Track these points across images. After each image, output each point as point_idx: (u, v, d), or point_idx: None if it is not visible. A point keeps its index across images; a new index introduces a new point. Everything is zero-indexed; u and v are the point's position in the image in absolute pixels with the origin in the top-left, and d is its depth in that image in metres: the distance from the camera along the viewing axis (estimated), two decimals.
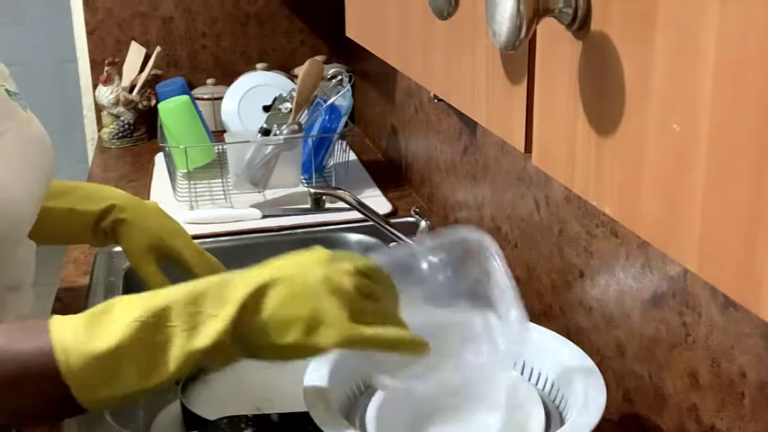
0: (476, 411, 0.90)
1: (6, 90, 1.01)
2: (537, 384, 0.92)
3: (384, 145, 2.05)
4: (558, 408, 0.89)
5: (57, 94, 3.21)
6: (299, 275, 0.76)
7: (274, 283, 0.76)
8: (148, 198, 1.76)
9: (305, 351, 0.76)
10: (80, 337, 0.73)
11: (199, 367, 0.78)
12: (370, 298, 0.78)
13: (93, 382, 0.73)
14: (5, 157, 0.93)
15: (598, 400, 0.82)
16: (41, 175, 1.01)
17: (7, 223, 0.91)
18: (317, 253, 0.80)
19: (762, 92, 0.32)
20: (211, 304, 0.75)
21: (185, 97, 1.82)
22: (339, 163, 1.81)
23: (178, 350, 0.74)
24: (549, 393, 0.91)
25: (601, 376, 0.85)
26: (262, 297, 0.75)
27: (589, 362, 0.88)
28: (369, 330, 0.76)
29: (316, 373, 0.88)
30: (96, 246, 1.18)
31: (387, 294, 0.81)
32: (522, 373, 0.94)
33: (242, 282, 0.76)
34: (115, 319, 0.74)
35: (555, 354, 0.91)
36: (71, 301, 1.34)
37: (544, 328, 0.95)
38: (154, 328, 0.73)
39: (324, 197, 1.40)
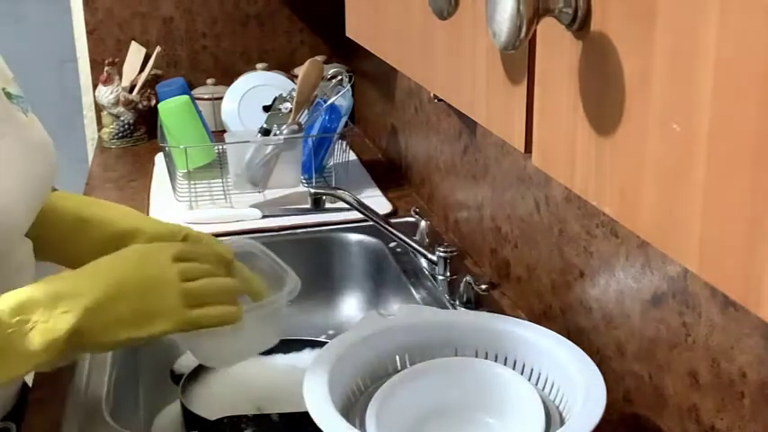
0: (476, 411, 0.91)
1: (7, 93, 1.00)
2: (537, 384, 0.92)
3: (384, 145, 2.05)
4: (558, 408, 0.89)
5: (57, 94, 3.21)
6: (122, 282, 0.86)
7: (105, 301, 0.84)
8: (148, 198, 1.76)
9: (142, 340, 0.87)
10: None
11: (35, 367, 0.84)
12: (198, 277, 0.88)
13: None
14: (1, 160, 0.92)
15: (598, 401, 0.81)
16: (39, 180, 1.00)
17: (1, 226, 0.90)
18: (134, 252, 0.91)
19: (762, 92, 0.32)
20: (42, 320, 0.82)
21: (185, 97, 1.82)
22: (339, 163, 1.81)
23: (11, 358, 0.80)
24: (549, 393, 0.91)
25: (601, 376, 0.85)
26: (92, 314, 0.83)
27: (589, 362, 0.88)
28: (195, 312, 0.87)
29: (316, 372, 0.88)
30: None
31: (212, 268, 0.91)
32: (521, 373, 0.94)
33: (70, 303, 0.83)
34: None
35: (555, 354, 0.91)
36: None
37: (544, 328, 0.95)
38: None
39: (324, 197, 1.40)
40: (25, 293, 0.83)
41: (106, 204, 1.12)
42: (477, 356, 0.97)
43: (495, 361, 0.96)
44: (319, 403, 0.83)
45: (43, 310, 0.82)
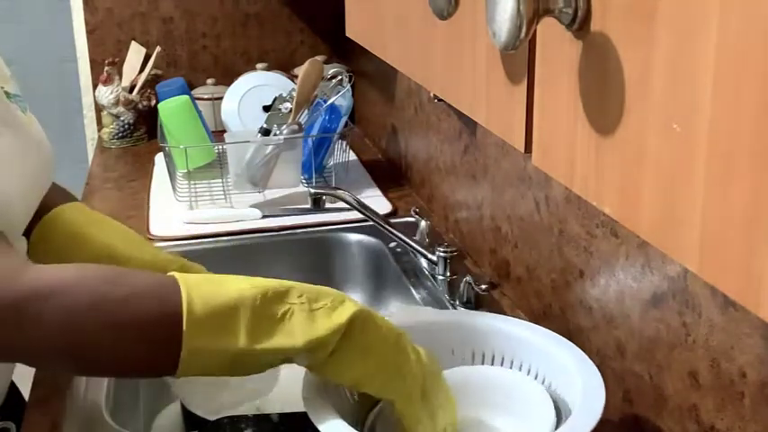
0: (485, 412, 0.90)
1: (6, 92, 1.00)
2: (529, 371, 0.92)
3: (384, 145, 2.05)
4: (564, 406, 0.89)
5: (57, 94, 3.21)
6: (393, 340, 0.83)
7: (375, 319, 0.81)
8: (148, 198, 1.76)
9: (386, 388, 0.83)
10: (205, 284, 0.76)
11: (289, 359, 0.79)
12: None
13: (208, 329, 0.74)
14: None
15: (597, 401, 0.81)
16: (37, 179, 1.00)
17: None
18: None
19: (762, 92, 0.32)
20: (331, 302, 0.79)
21: (185, 97, 1.82)
22: (339, 163, 1.81)
23: (296, 327, 0.77)
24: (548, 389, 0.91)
25: (600, 376, 0.85)
26: (366, 322, 0.80)
27: (588, 362, 0.88)
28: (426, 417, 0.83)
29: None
30: None
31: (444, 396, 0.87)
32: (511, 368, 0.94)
33: (352, 302, 0.81)
34: (236, 282, 0.78)
35: (553, 354, 0.91)
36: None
37: (543, 328, 0.95)
38: (274, 299, 0.77)
39: (324, 197, 1.40)
40: (307, 285, 0.81)
41: (112, 225, 1.09)
42: (474, 357, 0.96)
43: (493, 362, 0.95)
44: (317, 405, 0.82)
45: (332, 297, 0.80)
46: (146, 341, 0.75)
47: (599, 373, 0.85)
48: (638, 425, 0.94)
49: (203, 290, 0.75)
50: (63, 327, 0.72)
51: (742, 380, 0.76)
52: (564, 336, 1.02)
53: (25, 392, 1.13)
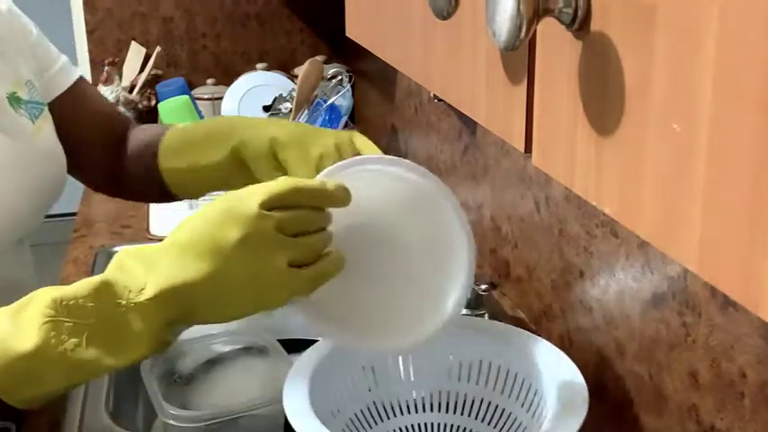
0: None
1: (16, 98, 0.99)
2: (520, 391, 0.92)
3: (384, 145, 2.05)
4: (539, 416, 0.89)
5: None
6: (219, 258, 0.72)
7: (195, 281, 0.72)
8: None
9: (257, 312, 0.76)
10: (3, 334, 0.71)
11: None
12: (297, 228, 0.75)
13: (17, 383, 0.71)
14: None
15: (578, 411, 0.80)
16: (39, 189, 0.99)
17: None
18: (218, 210, 0.74)
19: (762, 92, 0.32)
20: (125, 299, 0.72)
21: (185, 97, 1.82)
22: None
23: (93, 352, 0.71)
24: (532, 400, 0.90)
25: (584, 384, 0.84)
26: (185, 299, 0.72)
27: (573, 368, 0.87)
28: (308, 273, 0.75)
29: (297, 375, 0.88)
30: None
31: (310, 215, 0.76)
32: (505, 379, 0.93)
33: (155, 280, 0.72)
34: (31, 317, 0.72)
35: (544, 362, 0.90)
36: None
37: (534, 335, 0.95)
38: (62, 329, 0.71)
39: None
40: (106, 272, 0.74)
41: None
42: (461, 364, 0.96)
43: (480, 368, 0.95)
44: (299, 407, 0.82)
45: (126, 292, 0.72)
46: None
47: (585, 388, 0.84)
48: (638, 425, 0.94)
49: (3, 339, 0.71)
50: None
51: (742, 380, 0.76)
52: (564, 336, 1.02)
53: None
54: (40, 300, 0.72)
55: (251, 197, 0.74)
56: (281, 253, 0.73)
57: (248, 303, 0.75)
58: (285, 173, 0.94)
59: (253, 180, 0.96)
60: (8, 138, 0.95)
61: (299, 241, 0.75)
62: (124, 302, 0.72)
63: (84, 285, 0.73)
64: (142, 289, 0.72)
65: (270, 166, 0.96)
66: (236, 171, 0.99)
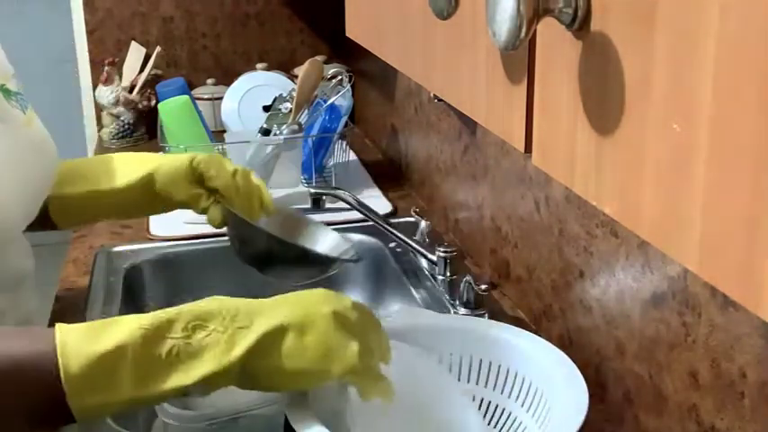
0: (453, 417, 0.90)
1: (6, 90, 1.00)
2: (520, 391, 0.92)
3: (384, 145, 2.05)
4: (539, 416, 0.89)
5: (57, 94, 3.21)
6: (309, 317, 0.77)
7: (287, 328, 0.76)
8: None
9: (316, 382, 0.79)
10: (82, 339, 0.72)
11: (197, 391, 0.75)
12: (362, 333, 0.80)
13: (89, 387, 0.71)
14: None
15: (579, 410, 0.80)
16: (38, 178, 1.00)
17: None
18: (320, 292, 0.81)
19: (762, 92, 0.32)
20: (222, 326, 0.74)
21: (185, 97, 1.82)
22: (339, 163, 1.81)
23: (183, 365, 0.72)
24: (533, 400, 0.90)
25: (585, 389, 0.84)
26: (275, 341, 0.75)
27: (573, 368, 0.87)
28: (371, 367, 0.79)
29: None
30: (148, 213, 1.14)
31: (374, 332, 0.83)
32: (505, 379, 0.93)
33: (257, 317, 0.75)
34: (120, 325, 0.73)
35: (543, 363, 0.90)
36: (71, 302, 1.34)
37: (536, 336, 0.95)
38: (155, 338, 0.72)
39: (324, 197, 1.40)
40: (197, 305, 0.76)
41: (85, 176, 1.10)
42: (462, 362, 0.96)
43: (480, 367, 0.95)
44: (299, 408, 0.82)
45: (221, 320, 0.74)
46: (34, 412, 0.72)
47: (585, 388, 0.84)
48: (638, 425, 0.94)
49: (80, 344, 0.71)
50: None
51: (742, 380, 0.76)
52: (564, 336, 1.02)
53: None
54: (130, 317, 0.75)
55: (346, 298, 0.82)
56: (357, 338, 0.78)
57: (315, 366, 0.76)
58: (203, 191, 1.06)
59: (155, 207, 1.09)
60: (4, 127, 0.96)
61: (372, 339, 0.81)
62: (221, 330, 0.74)
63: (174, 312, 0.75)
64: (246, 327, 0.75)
65: (189, 182, 1.06)
66: (140, 197, 1.07)
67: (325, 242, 1.10)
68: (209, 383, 0.73)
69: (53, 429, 0.77)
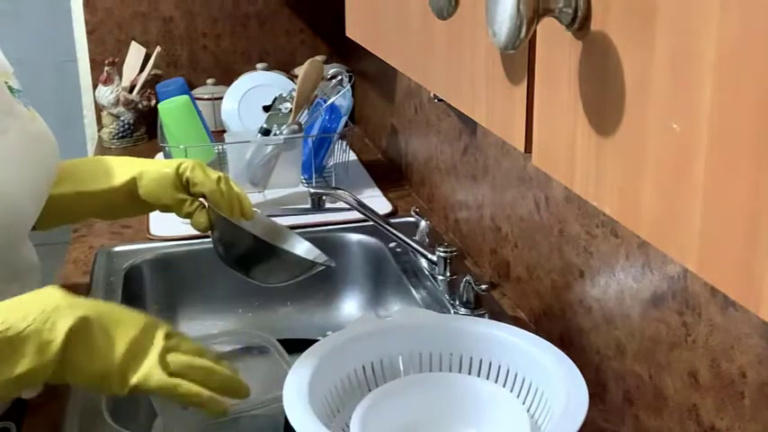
0: (461, 425, 0.90)
1: (9, 87, 1.01)
2: (521, 390, 0.92)
3: (384, 145, 2.05)
4: (537, 417, 0.89)
5: (57, 94, 3.21)
6: (113, 318, 0.86)
7: (90, 324, 0.83)
8: None
9: (109, 390, 0.85)
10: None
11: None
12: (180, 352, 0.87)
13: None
14: (5, 153, 0.94)
15: (579, 410, 0.80)
16: (43, 172, 1.02)
17: (8, 218, 0.92)
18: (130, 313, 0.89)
19: (762, 92, 0.32)
20: (38, 321, 0.80)
21: (185, 97, 1.82)
22: (339, 163, 1.81)
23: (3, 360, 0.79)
24: (533, 399, 0.90)
25: (585, 389, 0.84)
26: (79, 338, 0.82)
27: (577, 374, 0.87)
28: (174, 380, 0.85)
29: (297, 374, 0.88)
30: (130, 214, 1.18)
31: (195, 350, 0.90)
32: (506, 379, 0.94)
33: (62, 320, 0.81)
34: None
35: (543, 362, 0.90)
36: None
37: (536, 336, 0.95)
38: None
39: (324, 197, 1.40)
40: (15, 299, 0.82)
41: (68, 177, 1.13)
42: (462, 362, 0.96)
43: (480, 367, 0.95)
44: (298, 407, 0.82)
45: (41, 313, 0.81)
46: None
47: (585, 388, 0.84)
48: (638, 425, 0.94)
49: None
50: None
51: (742, 380, 0.76)
52: (564, 336, 1.02)
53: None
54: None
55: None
56: (158, 348, 0.86)
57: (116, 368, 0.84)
58: (187, 197, 1.09)
59: (138, 210, 1.13)
60: (14, 121, 0.98)
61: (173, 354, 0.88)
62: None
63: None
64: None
65: (174, 188, 1.09)
66: (124, 200, 1.11)
67: (301, 248, 1.15)
68: (29, 378, 0.80)
69: None
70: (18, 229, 0.96)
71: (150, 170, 1.09)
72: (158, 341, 0.87)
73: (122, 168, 1.11)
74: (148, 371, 0.84)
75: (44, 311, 0.81)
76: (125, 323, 0.86)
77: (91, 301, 0.86)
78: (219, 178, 1.09)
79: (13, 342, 0.79)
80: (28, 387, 0.82)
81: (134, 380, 0.84)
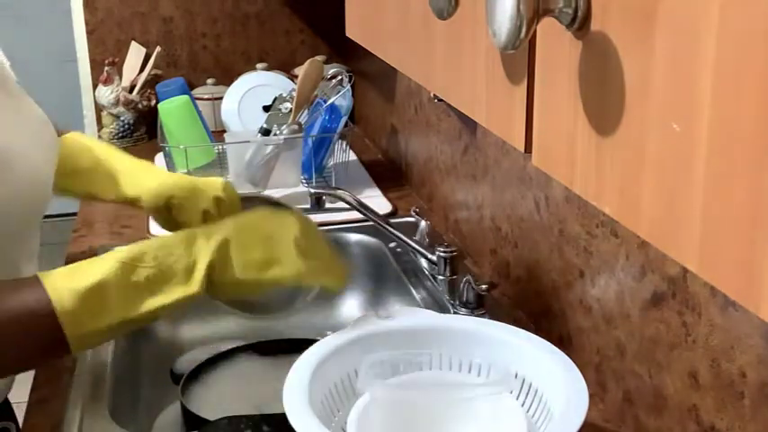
0: (457, 424, 0.90)
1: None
2: (520, 390, 0.92)
3: (384, 145, 2.05)
4: (537, 418, 0.89)
5: (57, 94, 3.22)
6: (253, 226, 0.92)
7: (236, 234, 0.90)
8: None
9: (264, 286, 0.91)
10: (67, 278, 0.83)
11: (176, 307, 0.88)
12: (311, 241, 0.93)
13: (83, 315, 0.82)
14: (23, 129, 0.99)
15: (579, 410, 0.80)
16: (51, 152, 1.07)
17: (36, 191, 0.98)
18: (264, 211, 0.96)
19: (762, 92, 0.32)
20: (184, 251, 0.88)
21: (185, 97, 1.82)
22: (339, 163, 1.81)
23: (155, 292, 0.85)
24: (534, 399, 0.90)
25: (585, 390, 0.84)
26: (225, 249, 0.88)
27: (578, 375, 0.87)
28: (311, 263, 0.91)
29: (297, 373, 0.88)
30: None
31: (321, 239, 0.97)
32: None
33: (206, 237, 0.89)
34: (97, 262, 0.85)
35: (544, 363, 0.90)
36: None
37: (536, 336, 0.95)
38: (130, 268, 0.84)
39: (324, 197, 1.40)
40: (156, 241, 0.89)
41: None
42: (462, 362, 0.96)
43: (481, 366, 0.95)
44: (297, 406, 0.82)
45: (183, 248, 0.87)
46: (35, 346, 0.84)
47: (585, 388, 0.84)
48: (638, 425, 0.94)
49: (68, 282, 0.82)
50: None
51: (742, 380, 0.76)
52: (564, 336, 1.02)
53: (24, 393, 1.13)
54: (112, 253, 0.87)
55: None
56: (292, 239, 0.91)
57: (259, 267, 0.90)
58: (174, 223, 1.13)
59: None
60: (22, 103, 1.03)
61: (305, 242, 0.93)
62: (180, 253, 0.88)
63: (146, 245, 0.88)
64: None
65: (165, 219, 1.14)
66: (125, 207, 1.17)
67: None
68: (184, 301, 0.87)
69: (57, 359, 0.94)
70: (43, 196, 1.00)
71: (149, 194, 1.12)
72: (290, 233, 0.92)
73: (130, 185, 1.13)
74: (292, 265, 0.91)
75: (187, 247, 0.88)
76: (258, 230, 0.92)
77: (226, 224, 0.92)
78: (206, 212, 1.09)
79: (165, 275, 0.86)
80: (180, 309, 0.89)
81: (279, 274, 0.90)
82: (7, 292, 0.83)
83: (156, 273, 0.85)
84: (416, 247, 1.35)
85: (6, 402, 1.10)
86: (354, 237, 1.54)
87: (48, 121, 1.08)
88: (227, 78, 2.21)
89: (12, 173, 0.91)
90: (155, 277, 0.85)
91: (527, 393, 0.91)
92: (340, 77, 1.77)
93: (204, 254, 0.87)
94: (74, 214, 1.69)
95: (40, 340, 0.83)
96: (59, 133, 1.13)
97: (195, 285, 0.86)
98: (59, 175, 1.07)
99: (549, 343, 0.93)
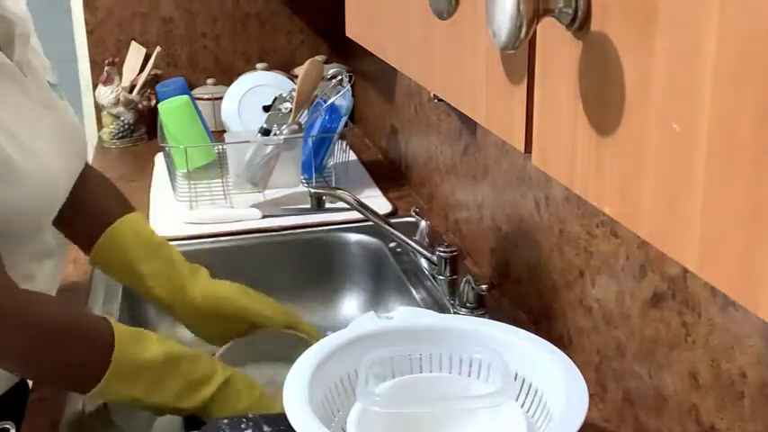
0: (457, 423, 0.90)
1: (51, 84, 1.11)
2: (520, 390, 0.91)
3: (384, 145, 2.05)
4: (537, 418, 0.89)
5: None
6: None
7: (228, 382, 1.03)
8: (148, 198, 1.76)
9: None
10: (132, 344, 0.96)
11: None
12: None
13: (122, 378, 0.94)
14: (42, 136, 1.02)
15: (579, 410, 0.80)
16: (76, 158, 1.11)
17: (47, 193, 1.01)
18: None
19: (762, 92, 0.32)
20: (207, 373, 1.01)
21: (185, 97, 1.82)
22: (339, 163, 1.81)
23: (178, 391, 0.98)
24: (534, 399, 0.90)
25: (585, 390, 0.84)
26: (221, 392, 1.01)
27: (577, 374, 0.87)
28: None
29: (298, 373, 0.88)
30: None
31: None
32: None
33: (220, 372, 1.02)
34: (153, 345, 0.97)
35: (544, 363, 0.90)
36: (71, 301, 1.34)
37: (536, 336, 0.95)
38: (169, 366, 0.97)
39: (324, 197, 1.40)
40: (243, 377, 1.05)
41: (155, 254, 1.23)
42: (462, 362, 0.96)
43: (481, 366, 0.95)
44: (297, 406, 0.82)
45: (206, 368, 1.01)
46: (78, 374, 0.95)
47: (585, 388, 0.84)
48: (638, 425, 0.94)
49: (130, 348, 0.95)
50: (22, 348, 0.92)
51: (742, 380, 0.76)
52: (564, 336, 1.02)
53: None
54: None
55: None
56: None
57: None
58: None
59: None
60: (48, 113, 1.07)
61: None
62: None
63: None
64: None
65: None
66: None
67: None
68: (186, 410, 1.00)
69: (76, 388, 1.00)
70: (54, 203, 1.04)
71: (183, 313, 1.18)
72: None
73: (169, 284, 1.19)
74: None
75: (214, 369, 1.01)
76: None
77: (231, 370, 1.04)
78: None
79: (203, 382, 1.00)
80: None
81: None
82: (93, 326, 0.96)
83: (183, 379, 0.98)
84: (416, 247, 1.35)
85: (6, 402, 1.10)
86: (354, 237, 1.55)
87: (78, 127, 1.12)
88: (227, 78, 2.21)
89: (22, 174, 0.95)
90: (179, 382, 0.98)
91: (527, 393, 0.91)
92: (340, 77, 1.77)
93: (216, 380, 1.01)
94: None
95: (85, 353, 0.94)
96: (122, 210, 1.19)
97: (201, 403, 1.00)
98: (107, 262, 1.16)
99: (549, 343, 0.93)
